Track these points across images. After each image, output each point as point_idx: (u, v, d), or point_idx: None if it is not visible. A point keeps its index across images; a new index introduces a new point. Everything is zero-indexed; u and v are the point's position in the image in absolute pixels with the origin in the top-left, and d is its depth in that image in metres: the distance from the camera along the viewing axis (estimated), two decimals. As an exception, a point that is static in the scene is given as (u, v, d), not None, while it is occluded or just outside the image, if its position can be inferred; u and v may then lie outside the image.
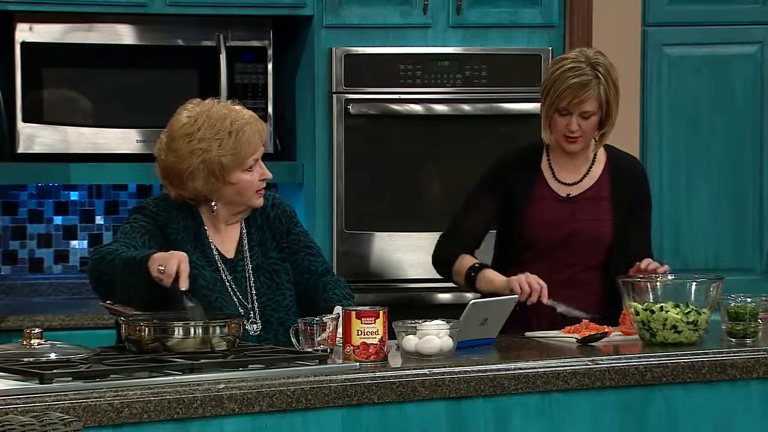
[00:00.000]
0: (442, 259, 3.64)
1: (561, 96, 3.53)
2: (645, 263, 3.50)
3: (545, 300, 3.45)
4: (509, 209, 3.61)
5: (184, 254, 3.00)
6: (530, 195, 3.59)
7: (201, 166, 3.17)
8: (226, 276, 3.26)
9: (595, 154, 3.66)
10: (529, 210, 3.58)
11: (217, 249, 3.27)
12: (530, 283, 3.43)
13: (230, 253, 3.28)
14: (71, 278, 4.65)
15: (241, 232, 3.31)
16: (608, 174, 3.64)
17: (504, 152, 3.72)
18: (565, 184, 3.63)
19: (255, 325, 3.24)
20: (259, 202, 3.26)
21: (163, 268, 2.96)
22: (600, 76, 3.53)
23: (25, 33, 4.33)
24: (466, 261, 3.58)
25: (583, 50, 3.62)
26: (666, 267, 3.54)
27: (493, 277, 3.52)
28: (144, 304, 3.05)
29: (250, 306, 3.26)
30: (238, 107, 3.25)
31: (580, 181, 3.63)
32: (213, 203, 3.23)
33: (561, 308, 3.52)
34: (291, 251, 3.33)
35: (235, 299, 3.25)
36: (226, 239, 3.29)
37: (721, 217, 4.61)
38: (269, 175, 3.24)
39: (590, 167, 3.64)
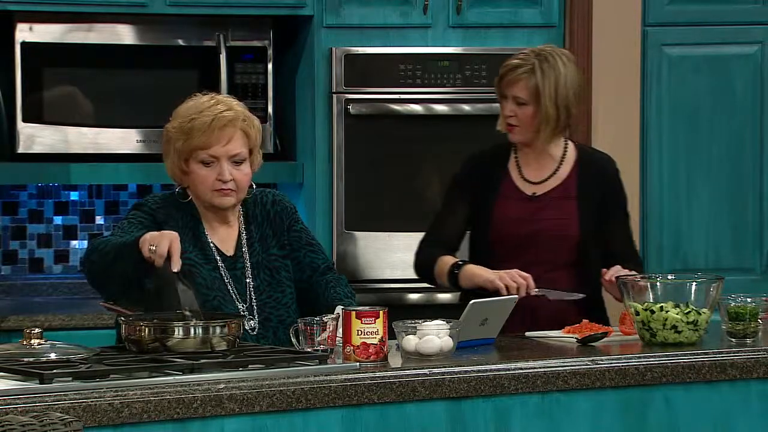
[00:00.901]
0: (423, 264, 3.65)
1: (500, 78, 3.57)
2: (612, 273, 3.45)
3: (532, 291, 3.44)
4: (478, 208, 3.61)
5: (176, 234, 2.98)
6: (497, 194, 3.60)
7: (167, 146, 3.22)
8: (224, 273, 3.25)
9: (565, 153, 3.64)
10: (495, 209, 3.59)
11: (215, 246, 3.26)
12: (514, 278, 3.43)
13: (230, 251, 3.28)
14: (71, 278, 4.64)
15: (240, 229, 3.30)
16: (577, 173, 3.63)
17: (473, 152, 3.72)
18: (532, 182, 3.63)
19: (253, 322, 3.23)
20: (219, 201, 3.22)
21: (154, 247, 2.94)
22: (539, 67, 3.52)
23: (25, 33, 4.33)
24: (447, 260, 3.59)
25: (546, 44, 3.63)
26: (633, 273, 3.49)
27: (475, 271, 3.52)
28: (138, 293, 3.03)
29: (248, 303, 3.25)
30: (232, 104, 3.23)
31: (547, 180, 3.63)
32: (178, 188, 3.23)
33: (552, 295, 3.51)
34: (292, 248, 3.33)
35: (234, 296, 3.24)
36: (224, 237, 3.28)
37: (721, 216, 4.60)
38: (226, 177, 3.18)
39: (558, 166, 3.63)
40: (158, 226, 3.18)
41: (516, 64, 3.54)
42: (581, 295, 3.53)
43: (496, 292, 3.44)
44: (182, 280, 2.94)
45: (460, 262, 3.56)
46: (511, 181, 3.63)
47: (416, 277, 3.61)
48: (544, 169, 3.63)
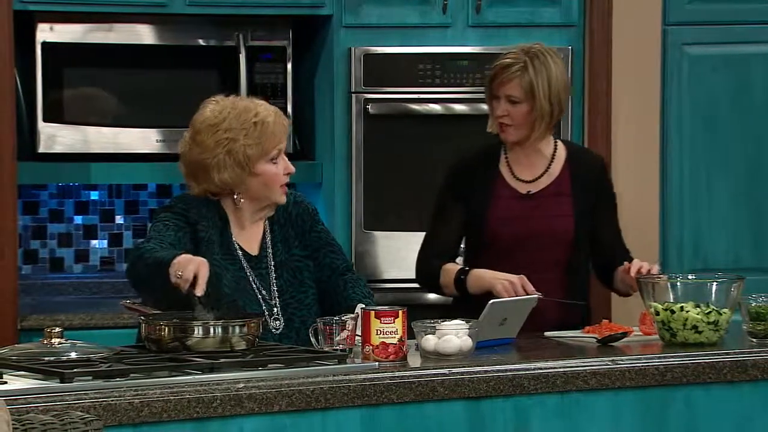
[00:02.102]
0: (426, 276, 3.63)
1: (491, 78, 3.56)
2: (635, 267, 3.45)
3: (534, 302, 3.40)
4: (471, 211, 3.60)
5: (204, 260, 2.99)
6: (490, 194, 3.59)
7: (227, 157, 3.19)
8: (249, 273, 3.26)
9: (555, 151, 3.64)
10: (489, 209, 3.57)
11: (240, 247, 3.27)
12: (512, 281, 3.41)
13: (254, 251, 3.28)
14: (91, 278, 4.65)
15: (264, 229, 3.31)
16: (568, 171, 3.63)
17: (461, 155, 3.71)
18: (525, 181, 3.62)
19: (278, 322, 3.24)
20: (283, 198, 3.27)
21: (180, 273, 2.95)
22: (531, 64, 3.52)
23: (45, 33, 4.33)
24: (451, 268, 3.57)
25: (535, 43, 3.62)
26: (656, 267, 3.49)
27: (480, 274, 3.50)
28: (173, 306, 3.04)
29: (273, 303, 3.26)
30: (261, 101, 3.27)
31: (539, 178, 3.62)
32: (236, 196, 3.22)
33: (555, 300, 3.49)
34: (313, 249, 3.34)
35: (259, 296, 3.25)
36: (250, 237, 3.29)
37: (742, 216, 4.58)
38: (292, 169, 3.25)
39: (549, 164, 3.63)
40: (191, 227, 3.20)
41: (508, 63, 3.53)
42: (581, 302, 3.54)
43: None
44: (204, 304, 2.94)
45: (466, 269, 3.55)
46: (504, 180, 3.61)
47: None
48: (535, 167, 3.62)
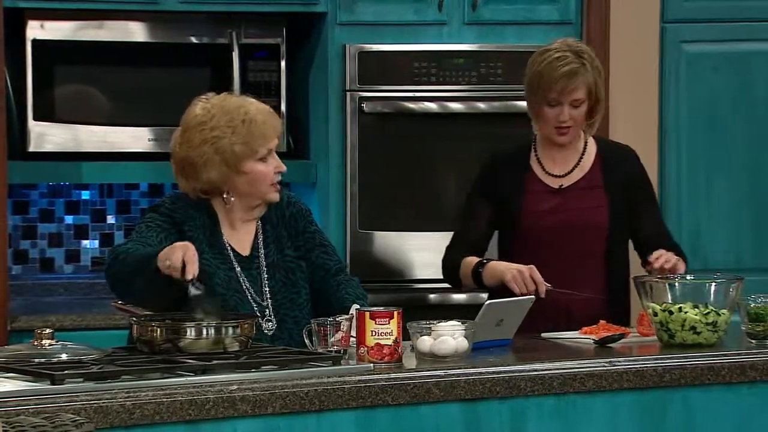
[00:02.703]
0: (449, 268, 3.66)
1: (551, 88, 3.55)
2: (656, 259, 3.45)
3: (542, 293, 3.41)
4: (504, 208, 3.62)
5: (188, 243, 2.98)
6: (522, 190, 3.61)
7: (214, 156, 3.18)
8: (240, 274, 3.24)
9: (585, 146, 3.66)
10: (522, 204, 3.59)
11: (231, 247, 3.26)
12: (525, 281, 3.42)
13: (245, 251, 3.27)
14: (82, 278, 4.64)
15: (256, 229, 3.30)
16: (600, 163, 3.65)
17: (491, 153, 3.73)
18: (556, 176, 3.64)
19: (270, 323, 3.23)
20: (275, 196, 3.24)
21: (169, 262, 2.93)
22: (586, 63, 3.56)
23: (36, 30, 4.31)
24: (471, 260, 3.59)
25: (564, 40, 3.64)
26: (682, 266, 3.50)
27: (495, 266, 3.52)
28: (161, 305, 3.03)
29: (265, 304, 3.24)
30: (252, 99, 3.25)
31: (571, 172, 3.64)
32: (225, 195, 3.21)
33: (564, 292, 3.48)
34: (306, 249, 3.33)
35: (250, 297, 3.24)
36: (241, 237, 3.28)
37: (741, 216, 4.58)
38: (283, 167, 3.24)
39: (580, 158, 3.65)
40: (177, 227, 3.19)
41: (571, 71, 3.54)
42: (592, 295, 3.53)
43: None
44: (197, 286, 2.93)
45: (485, 261, 3.56)
46: (535, 176, 3.64)
47: (431, 277, 3.61)
48: (567, 162, 3.65)
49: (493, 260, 3.56)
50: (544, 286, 3.41)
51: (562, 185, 3.62)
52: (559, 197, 3.61)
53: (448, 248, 3.69)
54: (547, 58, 3.56)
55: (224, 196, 3.22)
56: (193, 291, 2.93)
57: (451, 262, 3.65)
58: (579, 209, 3.59)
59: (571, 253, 3.56)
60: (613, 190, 3.62)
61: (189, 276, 2.93)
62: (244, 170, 3.18)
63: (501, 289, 3.46)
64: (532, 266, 3.44)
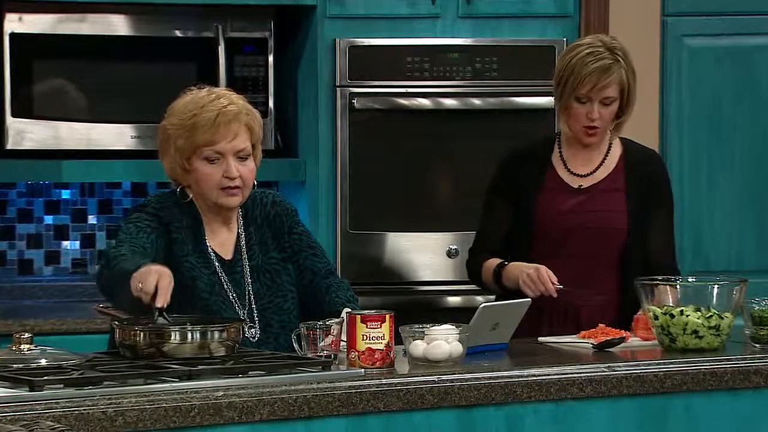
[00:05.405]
0: (472, 272, 3.66)
1: (582, 83, 3.51)
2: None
3: (554, 292, 3.40)
4: (520, 204, 3.59)
5: (165, 271, 2.93)
6: (541, 187, 3.58)
7: (165, 145, 3.18)
8: (224, 278, 3.20)
9: (610, 146, 3.64)
10: (539, 201, 3.57)
11: (213, 250, 3.21)
12: (536, 285, 3.41)
13: (227, 255, 3.23)
14: (62, 280, 4.62)
15: (239, 232, 3.25)
16: (623, 166, 3.62)
17: (513, 147, 3.71)
18: (578, 175, 3.61)
19: (253, 330, 3.19)
20: (226, 201, 3.17)
21: (141, 285, 2.90)
22: (620, 59, 3.54)
23: (14, 23, 4.29)
24: (491, 262, 3.58)
25: (597, 36, 3.62)
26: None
27: (512, 270, 3.51)
28: (146, 315, 3.00)
29: (248, 309, 3.20)
30: (231, 97, 3.18)
31: (594, 172, 3.61)
32: (179, 188, 3.19)
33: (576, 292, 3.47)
34: (293, 251, 3.28)
35: (233, 302, 3.19)
36: (223, 240, 3.24)
37: (745, 216, 4.58)
38: (233, 174, 3.14)
39: (604, 158, 3.62)
40: (164, 227, 3.16)
41: (603, 66, 3.50)
42: (603, 297, 3.51)
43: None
44: (163, 316, 2.90)
45: (505, 262, 3.55)
46: (556, 174, 3.61)
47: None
48: (591, 162, 3.62)
49: (511, 262, 3.54)
50: (554, 286, 3.40)
51: (581, 185, 3.59)
52: (578, 198, 3.57)
53: (471, 251, 3.68)
54: (579, 52, 3.52)
55: (186, 189, 3.20)
56: (160, 320, 2.90)
57: (473, 266, 3.64)
58: (597, 212, 3.56)
59: (585, 258, 3.53)
60: (635, 195, 3.59)
61: (158, 304, 2.90)
62: (191, 167, 3.16)
63: (522, 292, 3.44)
64: (543, 266, 3.42)
